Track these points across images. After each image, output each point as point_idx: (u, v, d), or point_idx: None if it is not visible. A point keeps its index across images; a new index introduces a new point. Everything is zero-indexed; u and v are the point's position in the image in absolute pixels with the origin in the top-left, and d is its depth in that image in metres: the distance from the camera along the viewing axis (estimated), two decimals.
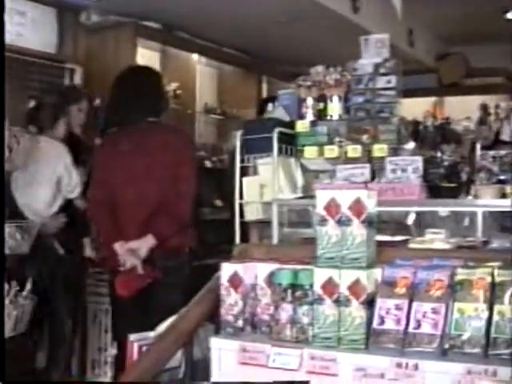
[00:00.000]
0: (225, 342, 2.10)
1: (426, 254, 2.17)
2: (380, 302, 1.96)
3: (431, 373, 1.81)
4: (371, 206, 2.01)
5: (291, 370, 1.95)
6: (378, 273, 2.02)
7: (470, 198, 3.69)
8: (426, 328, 1.88)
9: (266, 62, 7.79)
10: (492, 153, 3.84)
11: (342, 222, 1.99)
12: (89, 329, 5.07)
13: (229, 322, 2.12)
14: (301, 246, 2.87)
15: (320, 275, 1.99)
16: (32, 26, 5.27)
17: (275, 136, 3.97)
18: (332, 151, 4.03)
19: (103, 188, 3.96)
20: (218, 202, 6.49)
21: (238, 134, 4.18)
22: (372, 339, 1.93)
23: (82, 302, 4.87)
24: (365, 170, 3.93)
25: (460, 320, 1.86)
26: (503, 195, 3.57)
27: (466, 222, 4.02)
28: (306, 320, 2.02)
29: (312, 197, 3.09)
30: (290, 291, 2.04)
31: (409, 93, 4.32)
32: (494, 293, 1.88)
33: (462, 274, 1.92)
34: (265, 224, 4.14)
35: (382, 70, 4.05)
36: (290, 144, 4.11)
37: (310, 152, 4.09)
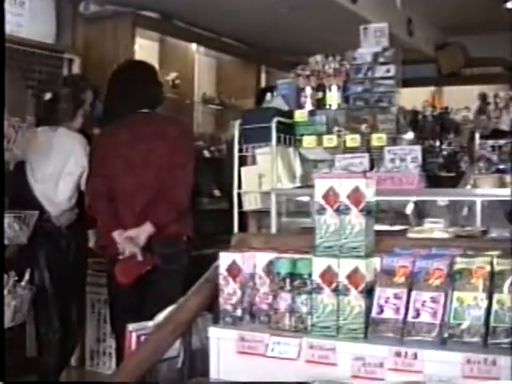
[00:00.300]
0: (223, 331, 2.10)
1: (425, 244, 2.16)
2: (379, 291, 1.96)
3: (430, 362, 1.80)
4: (370, 194, 2.01)
5: (290, 359, 1.95)
6: (376, 262, 2.01)
7: (468, 187, 3.69)
8: (425, 317, 1.87)
9: (265, 51, 7.76)
10: (491, 142, 3.84)
11: (341, 211, 1.98)
12: (87, 319, 5.07)
13: (227, 311, 2.12)
14: (299, 236, 2.87)
15: (318, 264, 1.99)
16: (30, 16, 5.23)
17: (274, 126, 3.97)
18: (331, 141, 4.03)
19: (101, 177, 4.03)
20: (217, 192, 6.48)
21: (237, 123, 4.19)
22: (371, 328, 1.93)
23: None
24: (363, 160, 3.93)
25: (459, 309, 1.86)
26: (502, 184, 3.56)
27: (465, 211, 4.01)
28: (304, 309, 2.01)
29: (311, 186, 3.09)
30: (288, 280, 2.04)
31: (408, 82, 4.31)
32: (493, 282, 1.87)
33: (461, 263, 1.92)
34: (263, 214, 4.14)
35: (380, 60, 4.05)
36: (289, 133, 4.11)
37: (308, 141, 4.09)
